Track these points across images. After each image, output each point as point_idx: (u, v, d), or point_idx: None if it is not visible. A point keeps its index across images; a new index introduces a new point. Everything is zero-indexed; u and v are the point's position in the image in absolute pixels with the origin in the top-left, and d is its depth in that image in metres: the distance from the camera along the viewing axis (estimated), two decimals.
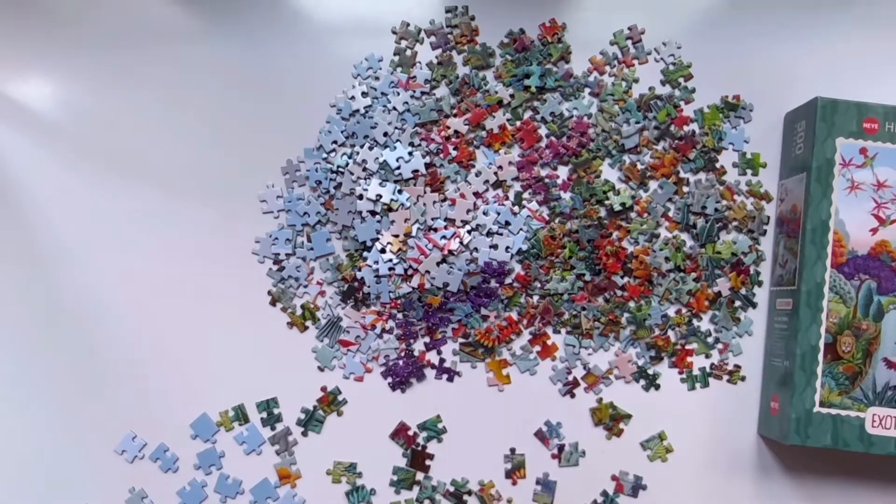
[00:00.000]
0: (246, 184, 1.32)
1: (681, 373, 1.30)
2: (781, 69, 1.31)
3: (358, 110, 1.32)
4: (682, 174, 1.31)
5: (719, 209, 1.30)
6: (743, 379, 1.30)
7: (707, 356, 1.30)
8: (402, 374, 1.32)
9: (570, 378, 1.31)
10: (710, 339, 1.30)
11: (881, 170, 1.21)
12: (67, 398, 1.30)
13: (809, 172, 1.21)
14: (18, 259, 1.30)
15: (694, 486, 1.30)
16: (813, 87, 1.28)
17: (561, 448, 1.32)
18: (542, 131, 1.32)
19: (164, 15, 1.31)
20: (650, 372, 1.30)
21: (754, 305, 1.31)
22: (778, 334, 1.26)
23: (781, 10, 1.31)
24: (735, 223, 1.31)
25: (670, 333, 1.30)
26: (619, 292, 1.30)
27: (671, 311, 1.31)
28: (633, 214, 1.31)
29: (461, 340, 1.31)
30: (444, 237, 1.30)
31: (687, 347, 1.30)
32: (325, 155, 1.32)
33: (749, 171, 1.32)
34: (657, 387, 1.31)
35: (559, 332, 1.31)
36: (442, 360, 1.32)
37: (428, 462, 1.31)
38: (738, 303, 1.30)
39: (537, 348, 1.32)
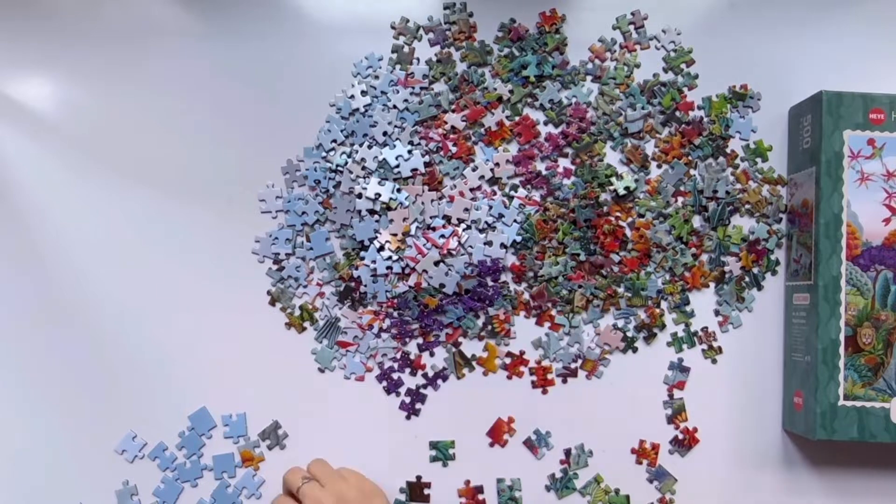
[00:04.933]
0: (246, 183, 1.24)
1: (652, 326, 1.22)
2: (784, 64, 1.24)
3: (357, 109, 1.24)
4: (690, 158, 1.24)
5: (731, 192, 1.23)
6: (720, 350, 1.22)
7: (687, 325, 1.22)
8: (397, 379, 1.23)
9: (574, 365, 1.22)
10: (688, 309, 1.23)
11: (890, 160, 1.15)
12: (66, 397, 1.21)
13: (819, 167, 1.14)
14: (17, 258, 1.22)
15: (721, 480, 1.22)
16: (815, 81, 1.21)
17: (568, 452, 1.22)
18: (541, 118, 1.24)
19: (165, 14, 1.25)
20: (629, 335, 1.22)
21: (760, 287, 1.23)
22: (797, 330, 1.18)
23: (782, 4, 1.24)
24: (748, 206, 1.23)
25: (663, 304, 1.22)
26: (615, 269, 1.22)
27: (664, 281, 1.23)
28: (640, 196, 1.23)
29: (454, 349, 1.22)
30: (442, 236, 1.22)
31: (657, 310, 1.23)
32: (324, 154, 1.24)
33: (759, 160, 1.24)
34: (635, 350, 1.22)
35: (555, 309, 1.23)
36: (444, 370, 1.22)
37: (427, 491, 1.22)
38: (746, 280, 1.23)
39: (547, 324, 1.23)
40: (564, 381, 1.22)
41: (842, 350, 1.11)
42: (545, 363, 1.21)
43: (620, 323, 1.22)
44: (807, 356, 1.14)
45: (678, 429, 1.21)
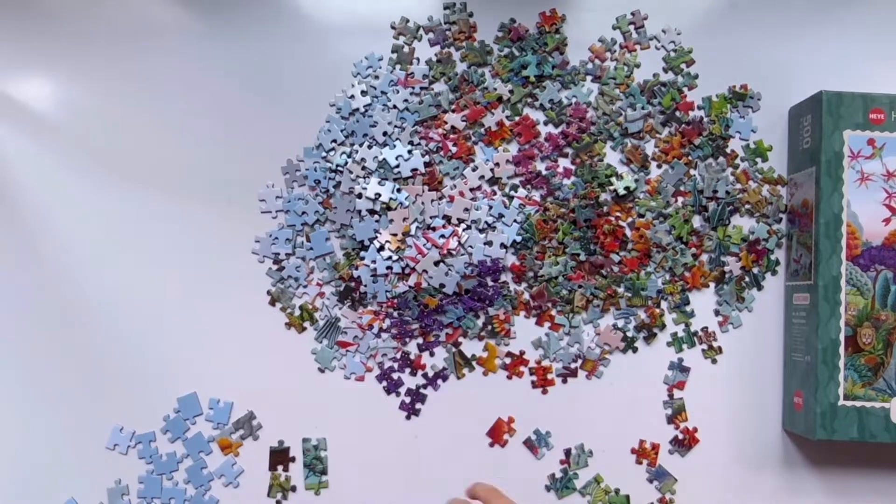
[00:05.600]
0: (246, 183, 1.22)
1: (652, 324, 1.21)
2: (784, 64, 1.23)
3: (357, 109, 1.23)
4: (690, 158, 1.23)
5: (731, 192, 1.22)
6: (720, 350, 1.21)
7: (687, 325, 1.21)
8: (397, 379, 1.22)
9: (574, 365, 1.21)
10: (688, 309, 1.22)
11: (890, 159, 1.13)
12: (64, 395, 1.20)
13: (819, 167, 1.13)
14: (17, 257, 1.21)
15: (721, 480, 1.20)
16: (815, 81, 1.20)
17: (568, 452, 1.20)
18: (541, 118, 1.23)
19: (165, 14, 1.24)
20: (629, 335, 1.21)
21: (760, 287, 1.22)
22: (797, 329, 1.17)
23: (783, 5, 1.23)
24: (748, 206, 1.22)
25: (663, 304, 1.21)
26: (615, 269, 1.21)
27: (664, 280, 1.22)
28: (640, 196, 1.22)
29: (454, 349, 1.21)
30: (442, 236, 1.21)
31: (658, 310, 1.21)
32: (324, 154, 1.23)
33: (759, 160, 1.23)
34: (635, 350, 1.21)
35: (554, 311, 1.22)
36: (444, 370, 1.20)
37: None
38: (746, 280, 1.22)
39: (547, 324, 1.21)
40: (564, 382, 1.20)
41: (842, 350, 1.10)
42: (545, 363, 1.20)
43: (620, 323, 1.21)
44: (807, 356, 1.13)
45: (678, 429, 1.20)
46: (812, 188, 1.14)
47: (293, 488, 1.19)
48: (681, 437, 1.20)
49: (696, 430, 1.20)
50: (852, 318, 1.10)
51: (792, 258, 1.19)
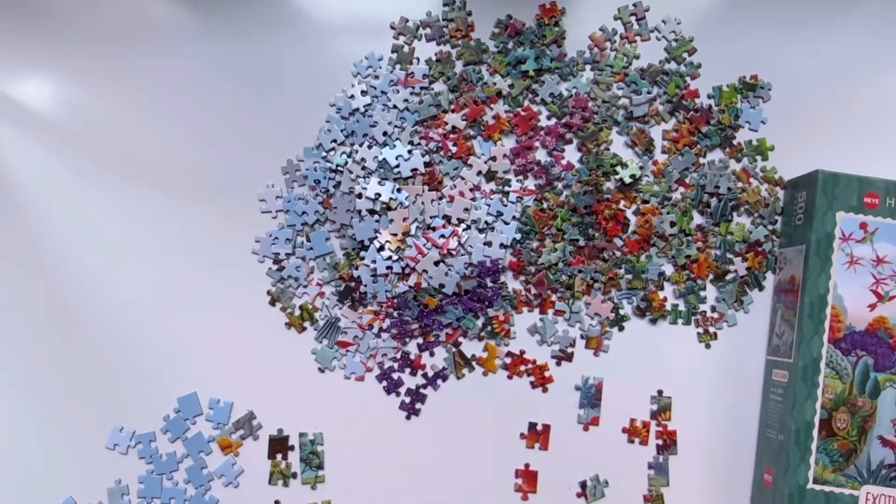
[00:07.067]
0: (246, 184, 1.21)
1: (658, 310, 1.20)
2: (783, 61, 1.21)
3: (357, 109, 1.21)
4: (700, 147, 1.21)
5: (732, 189, 1.21)
6: (715, 337, 1.20)
7: (688, 302, 1.20)
8: (397, 379, 1.21)
9: (570, 349, 1.20)
10: (703, 298, 1.21)
11: (881, 245, 1.10)
12: (65, 395, 1.20)
13: (809, 245, 1.10)
14: (17, 257, 1.20)
15: None
16: (817, 79, 1.20)
17: (584, 485, 1.20)
18: (543, 114, 1.21)
19: (165, 15, 1.21)
20: (622, 313, 1.20)
21: (761, 288, 1.21)
22: (773, 406, 1.14)
23: (782, 9, 1.22)
24: (747, 206, 1.21)
25: (667, 289, 1.20)
26: (617, 252, 1.20)
27: (668, 270, 1.21)
28: (644, 182, 1.21)
29: (454, 349, 1.20)
30: (442, 236, 1.19)
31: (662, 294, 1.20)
32: (324, 154, 1.21)
33: (759, 157, 1.21)
34: (621, 328, 1.20)
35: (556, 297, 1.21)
36: (444, 370, 1.20)
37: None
38: (749, 281, 1.21)
39: (551, 311, 1.21)
40: (558, 364, 1.19)
41: (815, 433, 1.07)
42: (540, 360, 1.19)
43: (623, 304, 1.20)
44: (780, 434, 1.10)
45: (659, 425, 1.19)
46: (801, 265, 1.11)
47: (294, 475, 1.19)
48: (660, 442, 1.19)
49: (675, 432, 1.19)
50: (829, 402, 1.08)
51: (775, 333, 1.17)
